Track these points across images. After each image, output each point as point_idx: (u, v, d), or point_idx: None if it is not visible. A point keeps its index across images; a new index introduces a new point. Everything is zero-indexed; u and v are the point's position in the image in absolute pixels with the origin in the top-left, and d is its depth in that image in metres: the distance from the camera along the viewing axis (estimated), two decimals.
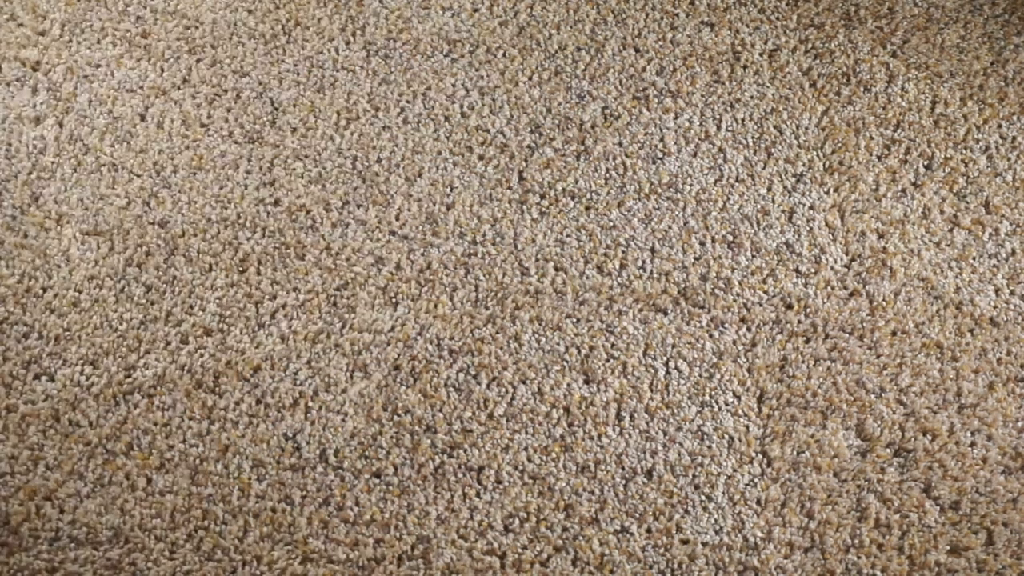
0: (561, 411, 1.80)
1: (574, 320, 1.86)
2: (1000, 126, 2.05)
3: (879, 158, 2.01)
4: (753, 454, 1.78)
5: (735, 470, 1.76)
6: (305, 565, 1.69)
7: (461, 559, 1.70)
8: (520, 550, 1.71)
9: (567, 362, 1.83)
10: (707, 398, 1.81)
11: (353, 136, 2.02)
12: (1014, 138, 2.03)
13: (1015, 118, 2.05)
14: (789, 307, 1.88)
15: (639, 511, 1.73)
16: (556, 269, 1.90)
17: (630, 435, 1.78)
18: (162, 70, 2.08)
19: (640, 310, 1.87)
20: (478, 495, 1.74)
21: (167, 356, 1.82)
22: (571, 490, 1.74)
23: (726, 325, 1.87)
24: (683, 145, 2.02)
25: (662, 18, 2.15)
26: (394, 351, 1.83)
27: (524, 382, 1.82)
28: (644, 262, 1.91)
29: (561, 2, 2.16)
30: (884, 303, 1.89)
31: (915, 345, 1.86)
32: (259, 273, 1.89)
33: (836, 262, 1.92)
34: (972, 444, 1.79)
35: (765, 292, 1.89)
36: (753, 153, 2.01)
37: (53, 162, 1.98)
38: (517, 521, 1.72)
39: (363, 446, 1.76)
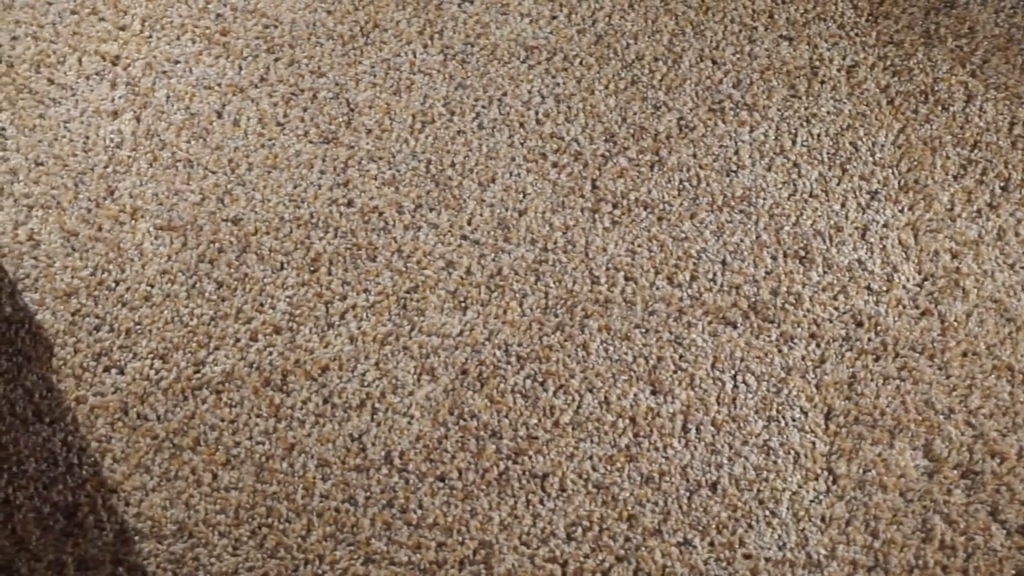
0: (627, 421, 1.79)
1: (643, 330, 1.86)
2: None
3: (955, 178, 2.00)
4: (819, 471, 1.77)
5: (800, 486, 1.75)
6: (367, 566, 1.70)
7: (522, 566, 1.70)
8: (582, 559, 1.70)
9: (634, 372, 1.83)
10: (774, 413, 1.80)
11: (427, 139, 2.02)
12: None
13: None
14: (859, 324, 1.87)
15: (702, 524, 1.73)
16: (626, 279, 1.90)
17: (696, 447, 1.78)
18: (240, 68, 2.09)
19: (709, 323, 1.87)
20: (541, 502, 1.74)
21: (236, 353, 1.83)
22: (635, 500, 1.74)
23: (795, 340, 1.86)
24: (757, 159, 2.01)
25: (740, 31, 2.14)
26: (462, 355, 1.84)
27: (591, 391, 1.81)
28: (715, 275, 1.91)
29: (639, 12, 2.16)
30: (956, 324, 1.87)
31: (986, 367, 1.84)
32: (330, 273, 1.90)
33: (908, 281, 1.91)
34: None
35: (836, 309, 1.88)
36: (828, 169, 2.00)
37: (129, 156, 1.99)
38: (580, 530, 1.72)
39: (428, 449, 1.77)
